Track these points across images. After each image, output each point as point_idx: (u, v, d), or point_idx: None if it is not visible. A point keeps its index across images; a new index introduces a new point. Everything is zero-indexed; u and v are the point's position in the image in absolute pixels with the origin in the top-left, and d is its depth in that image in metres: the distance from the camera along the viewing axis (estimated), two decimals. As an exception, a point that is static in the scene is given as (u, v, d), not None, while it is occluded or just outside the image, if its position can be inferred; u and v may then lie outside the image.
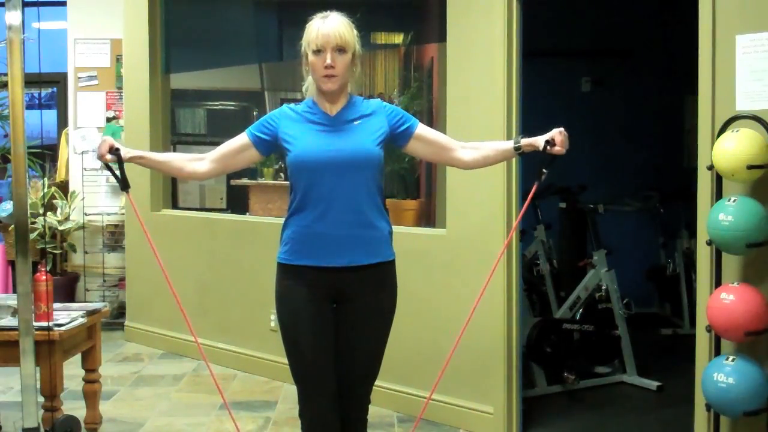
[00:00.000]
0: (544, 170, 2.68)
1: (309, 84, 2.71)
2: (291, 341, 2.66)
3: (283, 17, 5.60)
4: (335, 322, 2.67)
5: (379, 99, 2.81)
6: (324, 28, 2.58)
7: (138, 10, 6.00)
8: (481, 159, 2.75)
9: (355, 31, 2.65)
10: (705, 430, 3.27)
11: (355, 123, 2.66)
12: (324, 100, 2.68)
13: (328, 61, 2.57)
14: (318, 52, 2.58)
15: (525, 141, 2.69)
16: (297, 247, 2.64)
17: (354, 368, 2.69)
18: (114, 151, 2.69)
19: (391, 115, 2.72)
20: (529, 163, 4.29)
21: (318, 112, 2.67)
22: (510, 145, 2.71)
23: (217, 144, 2.80)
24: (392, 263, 2.72)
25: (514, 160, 3.98)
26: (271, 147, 2.72)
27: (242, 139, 2.74)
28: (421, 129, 2.75)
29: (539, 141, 2.64)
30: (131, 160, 2.74)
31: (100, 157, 2.71)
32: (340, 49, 2.59)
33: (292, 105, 2.75)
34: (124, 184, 2.73)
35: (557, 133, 2.62)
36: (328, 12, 2.64)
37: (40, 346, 3.36)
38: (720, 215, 3.02)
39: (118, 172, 2.73)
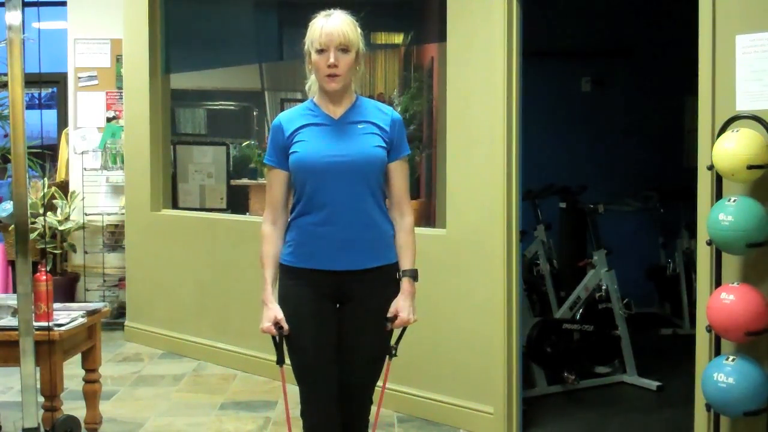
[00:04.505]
0: (394, 346, 2.68)
1: (312, 83, 2.68)
2: (293, 341, 2.64)
3: (283, 17, 5.61)
4: (338, 323, 2.66)
5: (393, 109, 2.77)
6: (327, 27, 2.56)
7: (138, 10, 6.00)
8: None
9: (359, 30, 2.63)
10: (705, 430, 3.27)
11: (359, 126, 2.63)
12: (327, 102, 2.65)
13: (332, 60, 2.55)
14: (321, 51, 2.56)
15: (404, 284, 2.66)
16: (300, 250, 2.63)
17: (356, 369, 2.68)
18: (279, 328, 2.62)
19: (398, 130, 2.68)
20: (529, 164, 4.31)
21: (320, 114, 2.65)
22: (401, 267, 2.68)
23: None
24: (395, 265, 2.71)
25: (514, 157, 4.00)
26: None
27: (276, 176, 2.68)
28: (397, 165, 2.69)
29: (393, 305, 2.64)
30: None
31: (275, 335, 2.64)
32: (344, 49, 2.56)
33: (284, 113, 2.71)
34: (280, 359, 2.64)
35: (400, 321, 2.64)
36: (332, 10, 2.62)
37: (40, 346, 3.36)
38: (720, 215, 3.01)
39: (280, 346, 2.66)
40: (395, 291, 2.70)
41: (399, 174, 2.71)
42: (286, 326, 2.62)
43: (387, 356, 2.69)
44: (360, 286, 2.63)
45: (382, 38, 4.87)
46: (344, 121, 2.64)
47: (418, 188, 4.60)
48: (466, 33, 4.16)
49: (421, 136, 4.56)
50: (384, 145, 2.64)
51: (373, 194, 2.63)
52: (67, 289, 6.62)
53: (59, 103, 8.16)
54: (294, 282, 2.65)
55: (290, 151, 2.62)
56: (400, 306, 2.66)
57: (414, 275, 2.69)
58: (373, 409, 2.77)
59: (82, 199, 6.73)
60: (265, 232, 2.70)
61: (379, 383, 2.74)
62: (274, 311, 2.63)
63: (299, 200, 2.64)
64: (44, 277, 3.50)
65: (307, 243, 2.62)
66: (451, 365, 4.26)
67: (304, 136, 2.62)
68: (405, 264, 2.69)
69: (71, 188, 6.84)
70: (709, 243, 3.14)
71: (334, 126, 2.63)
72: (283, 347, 2.65)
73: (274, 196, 2.70)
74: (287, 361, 2.64)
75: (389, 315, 2.65)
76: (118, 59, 6.72)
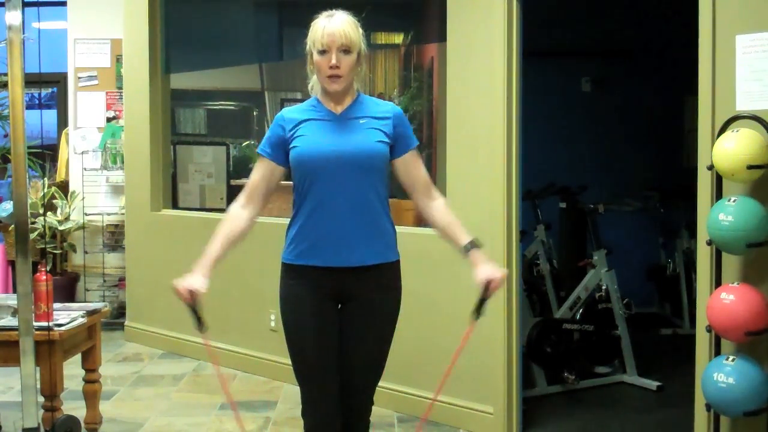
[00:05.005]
0: (478, 314, 2.63)
1: (314, 83, 2.68)
2: (294, 341, 2.64)
3: (283, 17, 5.61)
4: (339, 323, 2.66)
5: (393, 104, 2.77)
6: (329, 28, 2.55)
7: (138, 10, 6.00)
8: (436, 224, 2.70)
9: (361, 30, 2.62)
10: (705, 430, 3.27)
11: (361, 122, 2.63)
12: (329, 100, 2.65)
13: (333, 61, 2.54)
14: (323, 52, 2.56)
15: (474, 255, 2.62)
16: (302, 248, 2.62)
17: (357, 369, 2.67)
18: (194, 296, 2.64)
19: (399, 123, 2.68)
20: (529, 164, 4.31)
21: (322, 110, 2.65)
22: (462, 242, 2.64)
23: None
24: (397, 264, 2.70)
25: (514, 157, 4.00)
26: (288, 155, 2.67)
27: (262, 164, 2.70)
28: (409, 158, 2.69)
29: (479, 275, 2.59)
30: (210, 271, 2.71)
31: (184, 300, 2.68)
32: (346, 50, 2.56)
33: (287, 108, 2.71)
34: (200, 325, 2.67)
35: (495, 281, 2.58)
36: (334, 11, 2.62)
37: (40, 346, 3.36)
38: (720, 215, 3.02)
39: (196, 313, 2.68)
40: (397, 290, 2.70)
41: (415, 164, 2.70)
42: (199, 301, 2.61)
43: (472, 318, 2.62)
44: (361, 284, 2.62)
45: (382, 38, 4.88)
46: (346, 117, 2.64)
47: (418, 188, 4.60)
48: (466, 33, 4.16)
49: (421, 137, 4.56)
50: (386, 140, 2.63)
51: (375, 190, 2.61)
52: (67, 289, 6.62)
53: (59, 103, 8.15)
54: (295, 282, 2.64)
55: (291, 146, 2.62)
56: (489, 272, 2.59)
57: (478, 245, 2.64)
58: (377, 409, 2.76)
59: (82, 199, 6.73)
60: (229, 211, 2.71)
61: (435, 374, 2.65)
62: (196, 282, 2.67)
63: (300, 197, 2.63)
64: (44, 277, 3.50)
65: (306, 239, 2.61)
66: (451, 365, 4.26)
67: (305, 131, 2.62)
68: (463, 238, 2.65)
69: (71, 188, 6.84)
70: (709, 243, 3.14)
71: (336, 121, 2.63)
72: (199, 314, 2.68)
73: (253, 182, 2.72)
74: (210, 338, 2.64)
75: (481, 284, 2.57)
76: (118, 59, 6.73)
